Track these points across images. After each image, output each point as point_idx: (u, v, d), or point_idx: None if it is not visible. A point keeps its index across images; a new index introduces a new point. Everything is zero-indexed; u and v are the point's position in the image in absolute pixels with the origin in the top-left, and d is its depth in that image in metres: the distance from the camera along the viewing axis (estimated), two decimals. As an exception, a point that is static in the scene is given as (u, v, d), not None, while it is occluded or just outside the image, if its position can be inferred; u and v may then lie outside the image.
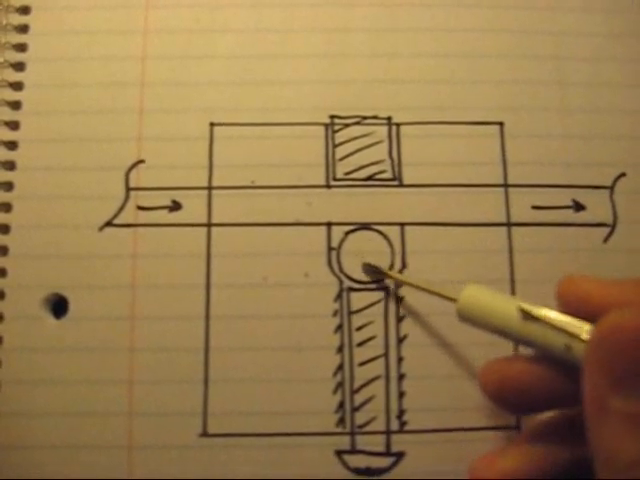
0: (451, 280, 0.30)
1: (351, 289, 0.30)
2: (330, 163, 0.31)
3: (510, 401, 0.25)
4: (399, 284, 0.30)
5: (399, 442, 0.29)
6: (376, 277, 0.30)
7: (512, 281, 0.31)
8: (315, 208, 0.31)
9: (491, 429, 0.30)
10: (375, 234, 0.31)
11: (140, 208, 0.31)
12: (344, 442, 0.29)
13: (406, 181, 0.31)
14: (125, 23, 0.33)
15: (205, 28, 0.33)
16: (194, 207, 0.31)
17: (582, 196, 0.31)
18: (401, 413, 0.30)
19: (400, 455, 0.29)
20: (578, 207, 0.31)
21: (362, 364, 0.30)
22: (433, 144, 0.32)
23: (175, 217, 0.31)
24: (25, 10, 0.33)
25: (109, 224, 0.31)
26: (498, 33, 0.33)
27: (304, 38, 0.33)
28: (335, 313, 0.30)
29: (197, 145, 0.31)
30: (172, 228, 0.31)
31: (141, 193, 0.31)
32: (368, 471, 0.29)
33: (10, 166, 0.31)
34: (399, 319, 0.30)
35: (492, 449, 0.27)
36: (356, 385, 0.30)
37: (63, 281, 0.30)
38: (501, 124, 0.32)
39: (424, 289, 0.28)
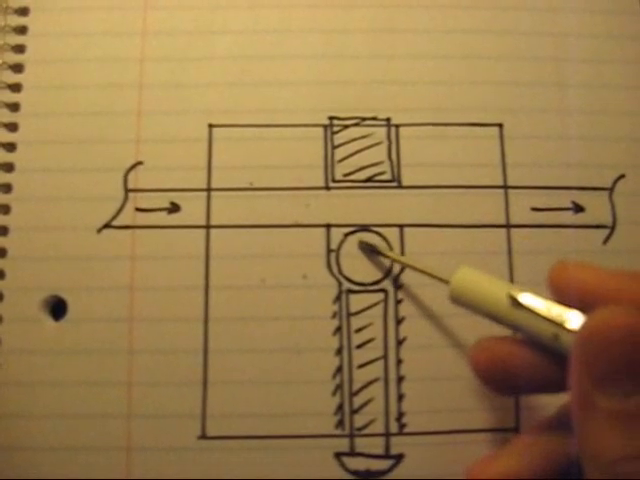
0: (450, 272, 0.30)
1: (350, 291, 0.30)
2: (329, 164, 0.31)
3: (498, 382, 0.25)
4: (394, 275, 0.30)
5: (398, 444, 0.29)
6: (371, 256, 0.30)
7: (511, 283, 0.30)
8: (314, 210, 0.31)
9: (490, 431, 0.30)
10: (374, 236, 0.31)
11: (139, 210, 0.31)
12: (343, 444, 0.29)
13: (405, 182, 0.31)
14: (123, 25, 0.33)
15: (203, 29, 0.33)
16: (193, 209, 0.31)
17: (581, 198, 0.31)
18: (400, 415, 0.30)
19: (399, 457, 0.29)
20: (577, 209, 0.31)
21: (361, 366, 0.30)
22: (432, 145, 0.32)
23: (174, 219, 0.31)
24: (24, 11, 0.33)
25: (108, 226, 0.31)
26: (497, 34, 0.33)
27: (303, 39, 0.33)
28: (334, 315, 0.30)
29: (196, 147, 0.31)
30: (171, 230, 0.31)
31: (140, 195, 0.31)
32: (367, 473, 0.29)
33: (9, 168, 0.31)
34: (398, 321, 0.30)
35: (490, 451, 0.27)
36: (355, 387, 0.30)
37: (62, 283, 0.30)
38: (500, 125, 0.32)
39: (418, 269, 0.28)
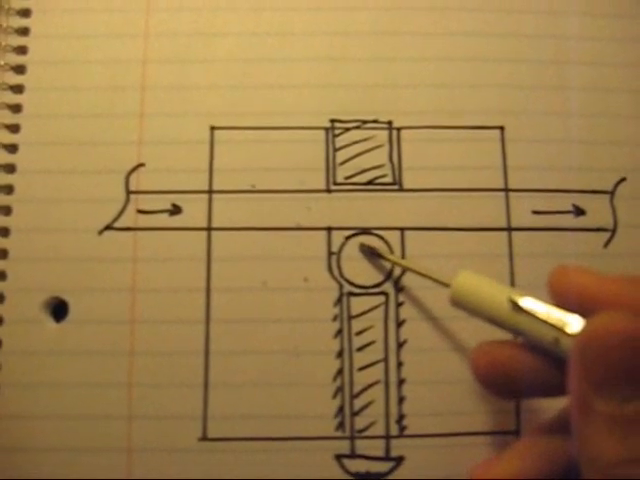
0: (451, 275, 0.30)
1: (351, 294, 0.30)
2: (330, 167, 0.31)
3: (499, 385, 0.25)
4: (395, 278, 0.30)
5: (398, 447, 0.29)
6: (372, 259, 0.30)
7: (512, 286, 0.30)
8: (315, 212, 0.31)
9: (490, 434, 0.30)
10: (375, 239, 0.31)
11: (140, 212, 0.31)
12: (344, 446, 0.29)
13: (406, 185, 0.31)
14: (126, 26, 0.33)
15: (206, 32, 0.33)
16: (194, 211, 0.31)
17: (582, 201, 0.31)
18: (400, 418, 0.30)
19: (399, 460, 0.29)
20: (578, 212, 0.31)
21: (362, 369, 0.30)
22: (433, 148, 0.32)
23: (175, 221, 0.31)
24: (26, 13, 0.33)
25: (109, 227, 0.31)
26: (499, 37, 0.33)
27: (304, 42, 0.33)
28: (335, 318, 0.30)
29: (197, 149, 0.31)
30: (172, 232, 0.31)
31: (141, 197, 0.31)
32: (367, 475, 0.29)
33: (10, 169, 0.31)
34: (399, 324, 0.30)
35: (491, 454, 0.27)
36: (356, 390, 0.30)
37: (63, 284, 0.30)
38: (502, 128, 0.32)
39: (418, 272, 0.28)
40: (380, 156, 0.32)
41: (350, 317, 0.30)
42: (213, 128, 0.32)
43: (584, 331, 0.21)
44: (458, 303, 0.25)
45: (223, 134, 0.32)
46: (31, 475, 0.29)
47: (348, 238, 0.31)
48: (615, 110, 0.32)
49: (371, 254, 0.30)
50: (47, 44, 0.33)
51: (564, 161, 0.32)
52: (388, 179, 0.31)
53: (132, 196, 0.31)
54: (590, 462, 0.21)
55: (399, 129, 0.32)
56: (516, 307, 0.24)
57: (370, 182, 0.31)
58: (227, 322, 0.30)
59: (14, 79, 0.32)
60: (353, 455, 0.29)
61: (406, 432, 0.29)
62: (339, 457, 0.29)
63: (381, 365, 0.30)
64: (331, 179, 0.31)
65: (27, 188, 0.31)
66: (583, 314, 0.22)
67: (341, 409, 0.30)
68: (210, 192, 0.31)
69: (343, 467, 0.29)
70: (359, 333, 0.30)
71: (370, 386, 0.30)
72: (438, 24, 0.33)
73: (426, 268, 0.28)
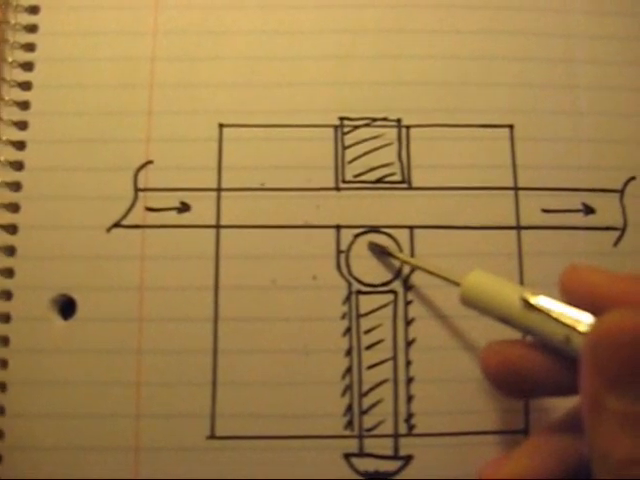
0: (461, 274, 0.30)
1: (360, 292, 0.30)
2: (339, 165, 0.31)
3: (509, 385, 0.25)
4: (404, 276, 0.30)
5: (407, 445, 0.29)
6: (381, 257, 0.30)
7: (521, 284, 0.30)
8: (324, 210, 0.31)
9: (499, 433, 0.30)
10: (384, 237, 0.31)
11: (149, 209, 0.31)
12: (352, 445, 0.29)
13: (415, 184, 0.31)
14: (134, 24, 0.33)
15: (214, 29, 0.33)
16: (203, 209, 0.31)
17: (592, 199, 0.31)
18: (409, 416, 0.30)
19: (408, 458, 0.29)
20: (588, 210, 0.31)
21: (370, 367, 0.30)
22: (443, 147, 0.32)
23: (184, 218, 0.31)
24: (34, 10, 0.33)
25: (117, 225, 0.31)
26: (509, 35, 0.33)
27: (313, 40, 0.33)
28: (344, 316, 0.30)
29: (206, 146, 0.31)
30: (181, 229, 0.31)
31: (150, 194, 0.31)
32: (376, 474, 0.29)
33: (18, 166, 0.31)
34: (408, 322, 0.30)
35: (500, 453, 0.27)
36: (364, 388, 0.30)
37: (71, 282, 0.30)
38: (511, 127, 0.32)
39: (428, 271, 0.28)
40: (389, 154, 0.32)
41: (359, 315, 0.30)
42: (222, 126, 0.32)
43: (595, 328, 0.21)
44: (468, 302, 0.25)
45: (232, 132, 0.32)
46: (38, 474, 0.29)
47: (357, 236, 0.31)
48: (625, 109, 0.32)
49: (380, 252, 0.30)
50: (55, 41, 0.32)
51: (573, 160, 0.32)
52: (397, 177, 0.31)
53: (140, 194, 0.31)
54: (601, 460, 0.20)
55: (408, 127, 0.32)
56: (527, 305, 0.24)
57: (379, 180, 0.31)
58: (235, 320, 0.30)
59: (22, 76, 0.32)
60: (362, 454, 0.29)
61: (415, 431, 0.29)
62: (348, 456, 0.29)
63: (390, 363, 0.30)
64: (340, 177, 0.31)
65: (35, 185, 0.31)
66: (594, 313, 0.22)
67: (350, 408, 0.30)
68: (219, 190, 0.31)
69: (352, 466, 0.29)
70: (368, 331, 0.30)
71: (379, 385, 0.30)
72: (447, 22, 0.33)
73: (436, 267, 0.28)
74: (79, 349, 0.30)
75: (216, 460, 0.29)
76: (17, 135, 0.32)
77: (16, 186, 0.31)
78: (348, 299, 0.30)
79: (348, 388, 0.30)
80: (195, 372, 0.30)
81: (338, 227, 0.31)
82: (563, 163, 0.32)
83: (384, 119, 0.32)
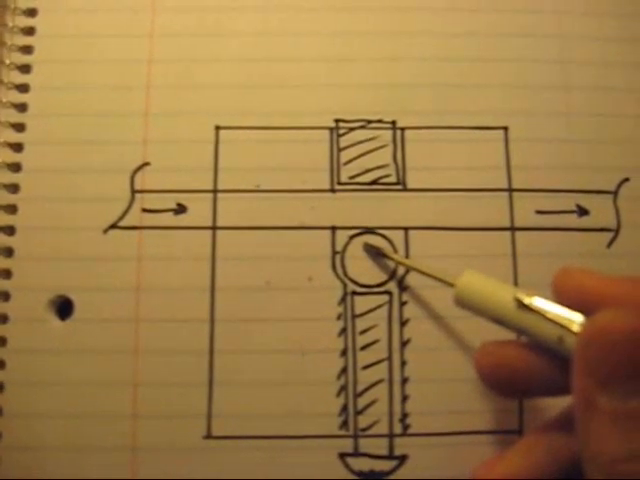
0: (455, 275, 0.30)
1: (355, 293, 0.30)
2: (335, 167, 0.32)
3: (503, 385, 0.25)
4: (399, 277, 0.30)
5: (402, 445, 0.29)
6: (376, 258, 0.31)
7: (516, 285, 0.31)
8: (320, 212, 0.31)
9: (493, 433, 0.30)
10: (379, 238, 0.31)
11: (145, 211, 0.31)
12: (347, 445, 0.29)
13: (410, 185, 0.31)
14: (131, 26, 0.33)
15: (211, 32, 0.33)
16: (199, 210, 0.31)
17: (586, 201, 0.32)
18: (404, 416, 0.30)
19: (403, 458, 0.29)
20: (582, 212, 0.31)
21: (366, 367, 0.30)
22: (437, 148, 0.32)
23: (180, 220, 0.31)
24: (31, 12, 0.33)
25: (114, 226, 0.31)
26: (503, 37, 0.33)
27: (309, 42, 0.33)
28: (339, 317, 0.30)
29: (202, 148, 0.32)
30: (177, 231, 0.31)
31: (146, 196, 0.31)
32: (371, 474, 0.29)
33: (16, 168, 0.31)
34: (403, 323, 0.30)
35: (494, 453, 0.27)
36: (359, 388, 0.30)
37: (68, 283, 0.30)
38: (506, 129, 0.32)
39: (423, 272, 0.29)
40: (384, 156, 0.32)
41: (354, 316, 0.30)
42: (218, 128, 0.32)
43: (587, 327, 0.21)
44: (462, 303, 0.26)
45: (228, 134, 0.32)
46: (36, 474, 0.29)
47: (352, 237, 0.31)
48: (619, 110, 0.32)
49: (375, 254, 0.31)
50: (53, 44, 0.33)
51: (568, 161, 0.32)
52: (392, 179, 0.32)
53: (137, 195, 0.31)
54: (593, 458, 0.21)
55: (403, 129, 0.32)
56: (521, 306, 0.24)
57: (374, 182, 0.32)
58: (231, 321, 0.30)
59: (20, 78, 0.32)
60: (357, 454, 0.29)
61: (410, 431, 0.30)
62: (343, 456, 0.29)
63: (385, 364, 0.30)
64: (335, 179, 0.31)
65: (32, 187, 0.31)
66: (586, 314, 0.22)
67: (345, 408, 0.30)
68: (215, 191, 0.31)
69: (347, 466, 0.29)
70: (363, 332, 0.30)
71: (374, 385, 0.30)
72: (442, 24, 0.33)
73: (430, 267, 0.28)
74: (76, 350, 0.30)
75: (213, 460, 0.29)
76: (15, 137, 0.32)
77: (14, 188, 0.31)
78: (343, 300, 0.30)
79: (343, 388, 0.30)
80: (191, 372, 0.30)
81: (333, 228, 0.31)
82: (557, 164, 0.32)
83: (379, 121, 0.32)
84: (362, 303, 0.30)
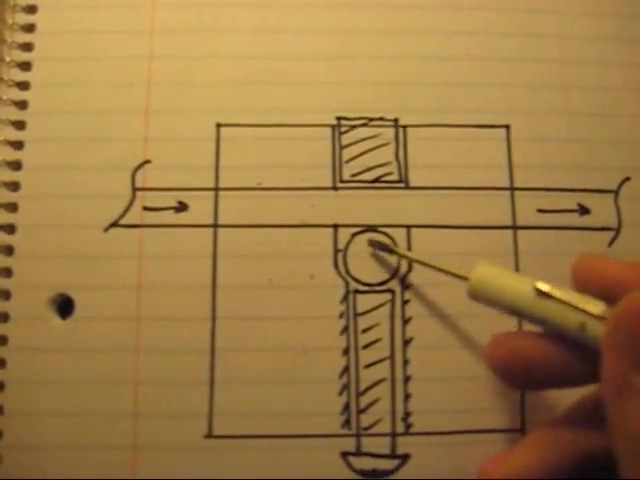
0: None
1: (357, 291, 0.30)
2: (337, 165, 0.31)
3: (515, 376, 0.25)
4: (400, 275, 0.30)
5: (404, 444, 0.29)
6: (382, 253, 0.31)
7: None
8: (321, 210, 0.31)
9: (496, 431, 0.30)
10: (381, 236, 0.31)
11: (146, 209, 0.31)
12: (349, 444, 0.29)
13: (412, 183, 0.31)
14: (132, 23, 0.33)
15: (212, 28, 0.33)
16: (200, 208, 0.31)
17: (587, 200, 0.32)
18: (407, 415, 0.30)
19: (405, 457, 0.29)
20: (583, 211, 0.31)
21: (368, 366, 0.30)
22: (439, 146, 0.32)
23: (181, 218, 0.31)
24: (31, 9, 0.33)
25: (115, 224, 0.31)
26: (505, 36, 0.33)
27: (311, 39, 0.33)
28: (341, 315, 0.30)
29: (204, 146, 0.31)
30: (178, 229, 0.31)
31: (147, 193, 0.31)
32: (373, 473, 0.29)
33: (16, 166, 0.31)
34: (405, 321, 0.30)
35: (498, 451, 0.27)
36: (362, 387, 0.30)
37: (69, 281, 0.30)
38: (507, 127, 0.32)
39: (435, 267, 0.28)
40: (386, 154, 0.32)
41: (356, 314, 0.30)
42: (219, 125, 0.32)
43: (617, 310, 0.21)
44: (477, 295, 0.25)
45: (229, 131, 0.32)
46: (36, 472, 0.29)
47: (354, 235, 0.31)
48: (620, 109, 0.33)
49: (381, 248, 0.30)
50: (53, 41, 0.32)
51: (569, 160, 0.32)
52: (394, 177, 0.32)
53: (138, 193, 0.31)
54: (629, 442, 0.20)
55: (405, 127, 0.32)
56: (541, 294, 0.24)
57: (376, 180, 0.31)
58: (233, 319, 0.30)
59: (20, 76, 0.32)
60: (359, 453, 0.29)
61: (412, 430, 0.30)
62: (345, 455, 0.29)
63: (387, 362, 0.30)
64: (337, 177, 0.31)
65: (33, 185, 0.31)
66: (608, 301, 0.22)
67: (347, 406, 0.30)
68: (216, 189, 0.31)
69: (349, 465, 0.29)
70: (365, 330, 0.30)
71: (376, 383, 0.30)
72: (444, 23, 0.33)
73: (441, 262, 0.28)
74: (77, 348, 0.30)
75: (214, 459, 0.29)
76: (15, 135, 0.32)
77: (14, 186, 0.31)
78: (345, 298, 0.30)
79: (345, 387, 0.30)
80: (193, 371, 0.30)
81: (335, 226, 0.31)
82: (559, 163, 0.32)
83: (381, 119, 0.32)
84: (364, 301, 0.30)
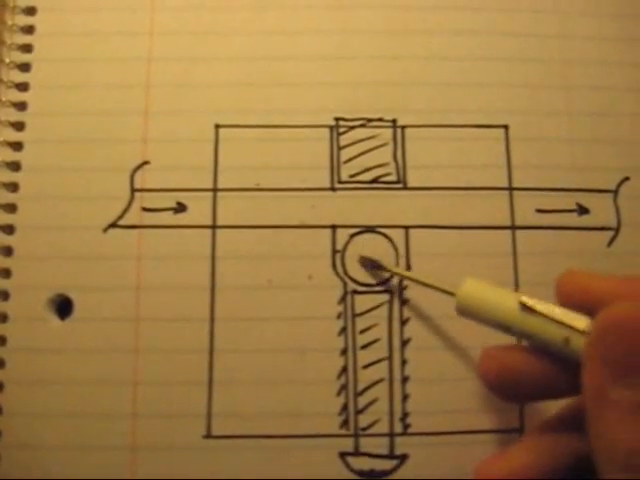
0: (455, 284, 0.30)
1: (355, 292, 0.30)
2: (335, 165, 0.32)
3: (507, 390, 0.25)
4: (398, 278, 0.30)
5: (402, 445, 0.29)
6: (373, 271, 0.31)
7: (516, 284, 0.31)
8: (320, 210, 0.31)
9: (494, 432, 0.30)
10: (380, 237, 0.31)
11: (145, 209, 0.31)
12: (348, 444, 0.29)
13: (411, 184, 0.31)
14: (131, 25, 0.33)
15: (210, 30, 0.33)
16: (199, 209, 0.31)
17: (586, 200, 0.32)
18: (405, 416, 0.30)
19: (403, 457, 0.29)
20: (582, 211, 0.31)
21: (366, 367, 0.30)
22: (438, 147, 0.32)
23: (180, 219, 0.31)
24: (31, 11, 0.33)
25: (114, 225, 0.31)
26: (504, 36, 0.33)
27: (309, 40, 0.33)
28: (339, 316, 0.30)
29: (202, 147, 0.32)
30: (177, 230, 0.31)
31: (146, 194, 0.31)
32: (372, 473, 0.29)
33: (15, 167, 0.31)
34: (403, 322, 0.30)
35: (496, 451, 0.27)
36: (360, 387, 0.30)
37: (68, 282, 0.30)
38: (506, 127, 0.32)
39: (422, 282, 0.28)
40: (384, 154, 0.32)
41: (354, 315, 0.30)
42: (218, 126, 0.32)
43: (599, 320, 0.21)
44: (464, 311, 0.25)
45: (228, 132, 0.32)
46: (35, 473, 0.29)
47: (353, 236, 0.31)
48: (619, 109, 0.32)
49: (372, 267, 0.30)
50: (52, 42, 0.33)
51: (568, 160, 0.32)
52: (392, 177, 0.32)
53: (137, 194, 0.31)
54: (606, 452, 0.20)
55: (403, 127, 0.32)
56: (526, 309, 0.24)
57: (374, 180, 0.31)
58: (231, 320, 0.30)
59: (19, 77, 0.32)
60: (357, 453, 0.29)
61: (410, 430, 0.30)
62: (343, 455, 0.29)
63: (385, 363, 0.30)
64: (335, 177, 0.31)
65: (32, 186, 0.31)
66: (591, 316, 0.22)
67: (345, 407, 0.30)
68: (215, 190, 0.31)
69: (347, 465, 0.29)
70: (363, 331, 0.30)
71: (374, 384, 0.30)
72: (443, 23, 0.33)
73: (429, 277, 0.28)
74: (76, 349, 0.30)
75: (212, 459, 0.29)
76: (14, 136, 0.32)
77: (13, 187, 0.31)
78: (344, 299, 0.30)
79: (344, 387, 0.30)
80: (191, 371, 0.30)
81: (334, 227, 0.31)
82: (558, 163, 0.32)
83: (379, 119, 0.32)
84: (362, 302, 0.30)
